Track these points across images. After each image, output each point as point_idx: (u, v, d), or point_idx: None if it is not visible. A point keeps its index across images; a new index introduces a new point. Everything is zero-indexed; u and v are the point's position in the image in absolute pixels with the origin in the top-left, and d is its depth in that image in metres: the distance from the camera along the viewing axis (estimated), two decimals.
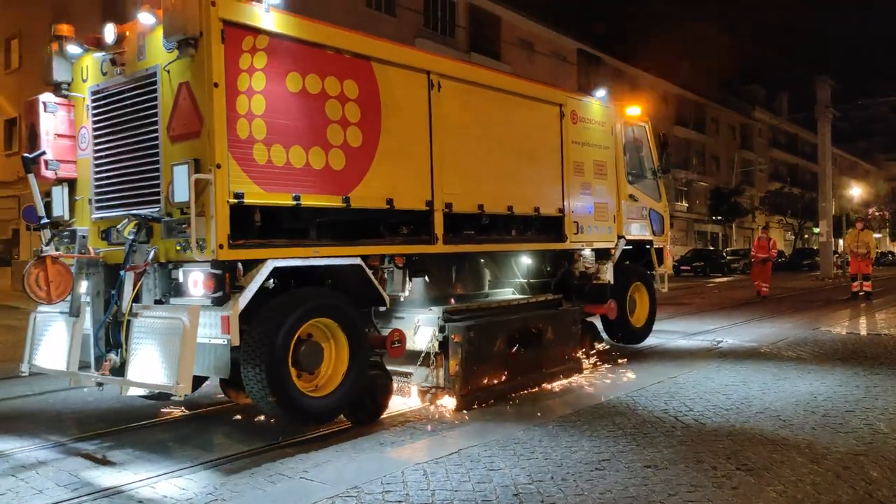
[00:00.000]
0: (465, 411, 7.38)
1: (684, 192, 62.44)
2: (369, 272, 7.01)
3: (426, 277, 8.85)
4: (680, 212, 61.57)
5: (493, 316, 8.40)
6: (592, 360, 9.96)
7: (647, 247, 11.66)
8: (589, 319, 10.50)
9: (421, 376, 7.88)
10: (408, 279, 7.88)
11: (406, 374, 7.98)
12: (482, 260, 9.94)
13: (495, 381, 8.14)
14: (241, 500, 4.99)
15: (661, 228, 11.88)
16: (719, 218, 62.47)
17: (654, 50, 53.94)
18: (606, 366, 9.77)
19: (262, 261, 6.16)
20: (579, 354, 9.48)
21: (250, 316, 6.17)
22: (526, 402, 7.88)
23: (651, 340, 11.80)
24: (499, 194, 8.54)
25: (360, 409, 7.09)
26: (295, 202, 6.38)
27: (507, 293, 10.14)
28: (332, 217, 6.88)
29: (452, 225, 8.15)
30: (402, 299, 8.11)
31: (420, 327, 7.98)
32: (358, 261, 6.90)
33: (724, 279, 38.37)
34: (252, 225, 6.23)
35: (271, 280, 6.41)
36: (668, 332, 13.06)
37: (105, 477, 5.54)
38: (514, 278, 10.41)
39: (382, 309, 7.98)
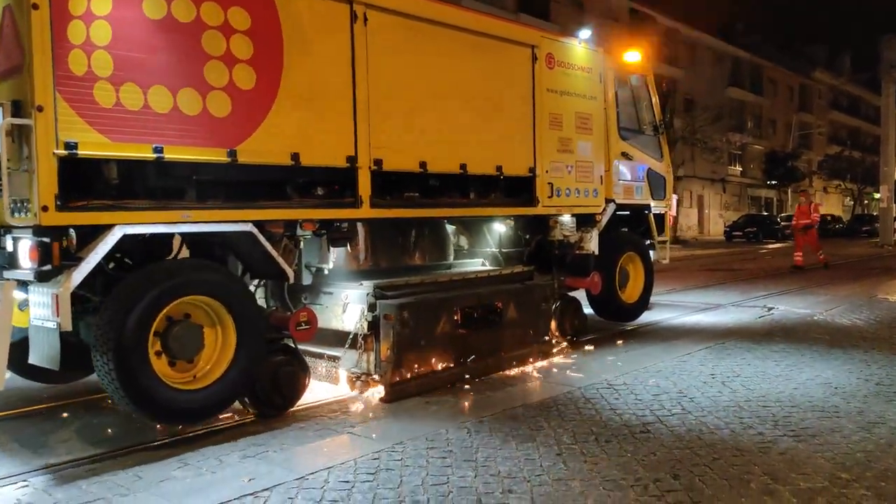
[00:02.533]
0: (394, 403, 6.29)
1: (738, 155, 59.94)
2: (264, 241, 5.86)
3: (360, 247, 7.70)
4: (734, 176, 59.21)
5: (437, 292, 7.18)
6: (568, 342, 8.69)
7: (646, 212, 10.22)
8: (571, 294, 9.20)
9: (351, 361, 6.78)
10: (328, 250, 6.72)
11: (335, 359, 6.88)
12: (443, 227, 8.72)
13: (439, 368, 6.98)
14: None
15: (661, 191, 10.42)
16: (774, 182, 59.69)
17: (710, 8, 51.34)
18: (589, 348, 8.50)
19: (110, 227, 5.06)
20: (551, 336, 8.23)
21: None
22: (473, 392, 6.75)
23: (675, 312, 11.13)
24: (447, 151, 7.25)
25: (264, 402, 6.03)
26: (156, 155, 5.22)
27: (476, 264, 8.91)
28: (217, 175, 5.73)
29: (389, 186, 6.94)
30: (325, 272, 6.98)
31: (348, 304, 6.85)
32: (248, 227, 5.74)
33: (778, 245, 36.86)
34: (98, 183, 5.13)
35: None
36: (709, 302, 12.65)
37: None
38: (485, 248, 9.17)
39: (306, 283, 6.90)
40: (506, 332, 7.66)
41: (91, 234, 5.09)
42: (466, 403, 6.33)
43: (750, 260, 25.05)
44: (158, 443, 5.36)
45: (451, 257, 8.95)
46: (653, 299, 12.62)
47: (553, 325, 8.81)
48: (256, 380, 5.95)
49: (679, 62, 50.37)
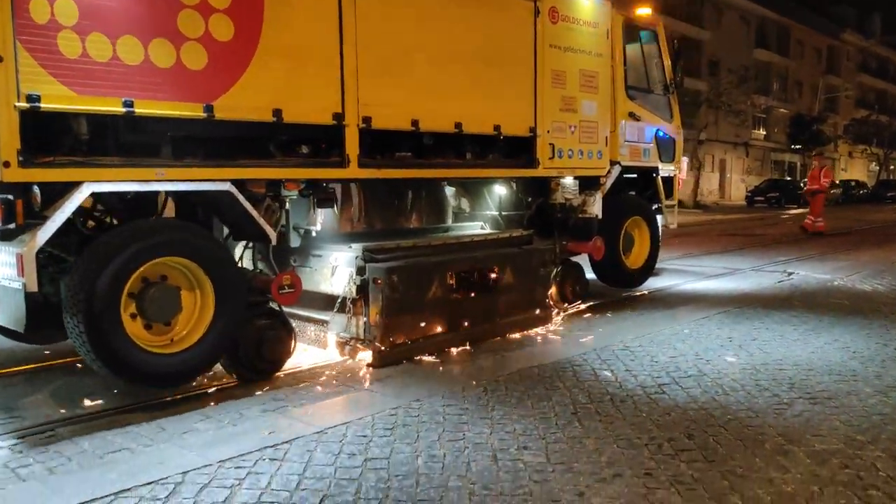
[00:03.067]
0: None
1: (762, 119, 58.82)
2: (244, 201, 5.64)
3: (353, 209, 7.49)
4: (757, 140, 58.18)
5: (429, 255, 6.95)
6: (569, 307, 8.47)
7: (654, 175, 9.88)
8: (574, 259, 8.94)
9: (339, 325, 6.60)
10: (316, 211, 6.49)
11: (324, 323, 6.71)
12: (441, 189, 8.48)
13: (431, 333, 6.77)
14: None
15: (670, 153, 10.05)
16: (798, 147, 58.55)
17: None
18: (593, 314, 8.26)
19: (77, 184, 4.85)
20: (550, 301, 7.99)
21: None
22: (486, 354, 6.58)
23: (691, 276, 10.90)
24: (442, 108, 6.95)
25: (247, 366, 5.88)
26: (126, 110, 4.99)
27: (475, 228, 8.66)
28: (194, 131, 5.50)
29: (379, 145, 6.69)
30: (314, 234, 6.76)
31: (337, 268, 6.64)
32: (227, 186, 5.52)
33: (800, 211, 35.92)
34: (66, 138, 4.92)
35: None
36: (728, 266, 12.47)
37: None
38: (485, 211, 8.92)
39: (294, 245, 6.70)
40: (502, 298, 7.43)
41: (61, 192, 4.90)
42: (481, 365, 6.19)
43: (771, 225, 24.66)
44: (181, 396, 5.43)
45: (450, 220, 8.72)
46: (669, 264, 12.75)
47: (553, 290, 8.59)
48: (239, 344, 5.81)
49: (704, 22, 49.21)
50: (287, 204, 6.29)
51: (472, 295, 7.24)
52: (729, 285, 10.43)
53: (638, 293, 9.77)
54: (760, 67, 55.52)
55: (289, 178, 5.97)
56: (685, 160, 10.71)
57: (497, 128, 7.46)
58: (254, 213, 5.71)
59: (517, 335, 7.32)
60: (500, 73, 7.49)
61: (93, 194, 5.13)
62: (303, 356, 6.49)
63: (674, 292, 9.99)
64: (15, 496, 3.71)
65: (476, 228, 8.59)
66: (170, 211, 6.13)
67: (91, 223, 5.73)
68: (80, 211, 5.54)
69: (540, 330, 7.54)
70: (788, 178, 56.52)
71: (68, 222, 4.95)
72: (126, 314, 5.19)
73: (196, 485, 3.70)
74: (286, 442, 4.26)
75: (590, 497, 3.61)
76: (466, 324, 7.04)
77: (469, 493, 3.65)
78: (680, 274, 11.69)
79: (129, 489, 3.63)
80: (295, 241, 6.77)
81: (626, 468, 3.94)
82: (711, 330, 7.25)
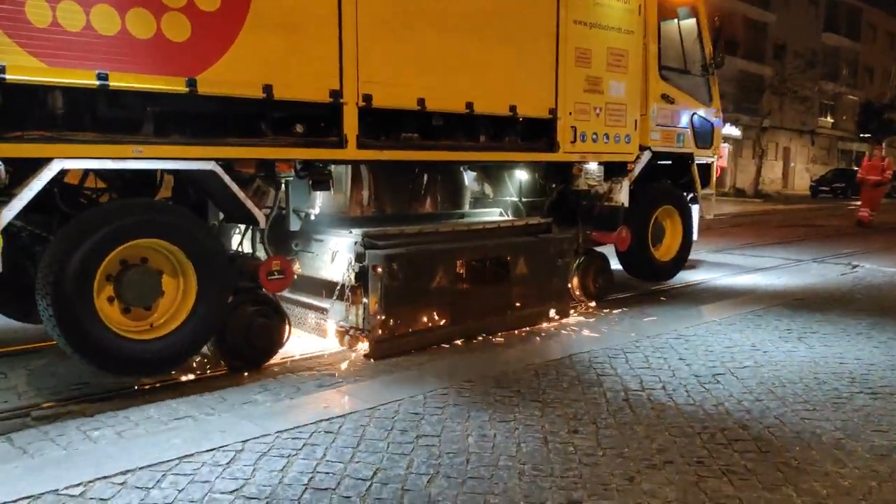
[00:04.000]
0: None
1: (830, 106, 56.58)
2: (230, 182, 5.36)
3: (363, 192, 7.19)
4: (824, 128, 56.08)
5: (434, 243, 6.59)
6: (592, 300, 8.04)
7: (690, 162, 9.30)
8: (598, 250, 8.47)
9: (339, 313, 6.33)
10: (315, 194, 6.21)
11: (324, 311, 6.44)
12: (457, 173, 8.10)
13: (433, 325, 6.44)
14: None
15: (707, 139, 9.45)
16: (867, 136, 56.11)
17: None
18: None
19: (48, 160, 4.63)
20: (575, 292, 7.56)
21: None
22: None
23: (747, 267, 10.64)
24: (451, 87, 6.55)
25: (236, 354, 5.65)
26: (100, 83, 4.74)
27: (494, 214, 8.26)
28: (177, 107, 5.22)
29: (384, 125, 6.35)
30: (316, 218, 6.49)
31: (337, 253, 6.35)
32: (211, 166, 5.25)
33: None
34: (36, 112, 4.70)
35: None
36: (788, 257, 12.24)
37: None
38: (507, 196, 8.52)
39: (294, 229, 6.44)
40: (515, 289, 7.05)
41: (33, 168, 4.68)
42: (530, 348, 6.12)
43: (836, 216, 23.94)
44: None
45: (467, 206, 8.34)
46: (726, 255, 12.47)
47: (575, 282, 8.17)
48: (227, 330, 5.57)
49: (770, 5, 47.38)
50: (284, 186, 6.02)
51: (482, 285, 6.89)
52: (789, 277, 10.17)
53: (682, 284, 9.35)
54: (829, 52, 53.33)
55: (280, 158, 5.66)
56: (725, 147, 10.07)
57: (513, 108, 7.03)
58: (240, 194, 5.44)
59: (551, 325, 7.02)
60: (518, 50, 7.04)
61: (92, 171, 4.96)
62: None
63: (730, 283, 9.72)
64: (86, 455, 3.94)
65: (495, 215, 8.20)
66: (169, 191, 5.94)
67: (84, 202, 5.55)
68: (70, 188, 5.42)
69: (579, 319, 7.29)
70: (856, 168, 54.26)
71: (49, 200, 4.76)
72: (102, 298, 4.99)
73: (255, 453, 3.89)
74: (340, 416, 4.45)
75: (640, 482, 3.63)
76: (474, 315, 6.69)
77: (519, 472, 3.73)
78: (736, 265, 11.41)
79: (191, 455, 3.83)
80: (295, 225, 6.52)
81: (678, 455, 3.95)
82: (770, 321, 7.17)
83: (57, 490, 3.42)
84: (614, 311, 7.80)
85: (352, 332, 6.24)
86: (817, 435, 4.27)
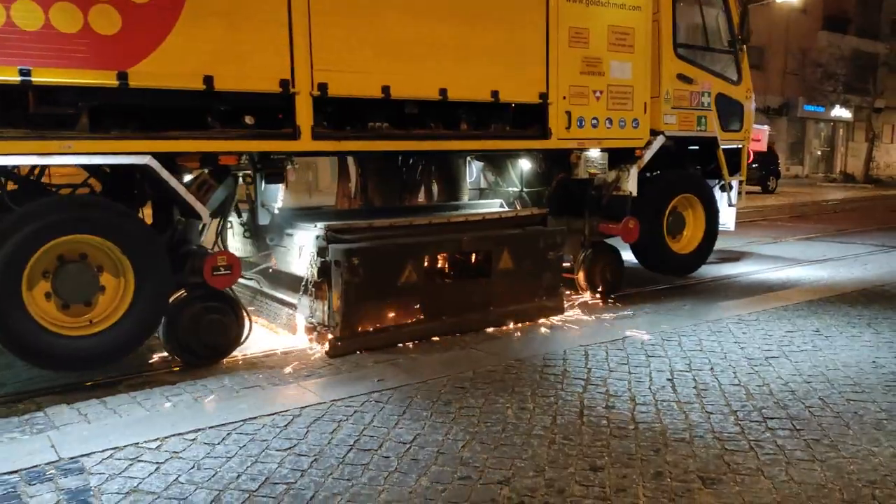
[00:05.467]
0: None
1: None
2: (166, 176, 5.25)
3: (351, 184, 6.99)
4: None
5: (403, 237, 6.32)
6: (599, 295, 7.58)
7: (715, 147, 8.60)
8: (607, 242, 7.97)
9: (307, 309, 6.17)
10: (262, 186, 6.05)
11: (294, 306, 6.31)
12: (453, 163, 7.79)
13: (404, 322, 6.20)
14: None
15: (737, 121, 8.71)
16: None
17: None
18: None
19: None
20: (560, 288, 7.11)
21: None
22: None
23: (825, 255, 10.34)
24: (421, 73, 6.23)
25: (186, 350, 5.58)
26: (23, 79, 4.71)
27: (494, 206, 7.89)
28: (110, 101, 5.14)
29: (348, 114, 6.12)
30: (275, 211, 6.34)
31: (303, 247, 6.19)
32: (146, 160, 5.15)
33: None
34: None
35: None
36: (881, 244, 11.92)
37: None
38: (509, 187, 8.14)
39: (263, 223, 6.34)
40: (498, 284, 6.69)
41: None
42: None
43: None
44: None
45: (465, 197, 8.01)
46: (812, 244, 12.05)
47: (581, 276, 7.72)
48: (179, 327, 5.50)
49: None
50: (244, 180, 5.89)
51: (459, 281, 6.58)
52: (877, 264, 9.77)
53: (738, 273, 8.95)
54: None
55: (226, 151, 5.51)
56: (765, 129, 9.30)
57: (495, 94, 6.63)
58: (179, 189, 5.32)
59: (507, 329, 6.57)
60: (499, 32, 6.62)
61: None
62: None
63: (804, 272, 9.39)
64: (165, 416, 4.51)
65: (494, 206, 7.83)
66: None
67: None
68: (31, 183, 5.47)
69: (543, 321, 6.75)
70: None
71: None
72: (35, 293, 4.98)
73: (310, 418, 4.34)
74: (391, 389, 4.86)
75: (665, 454, 3.80)
76: (451, 312, 6.39)
77: (550, 441, 4.00)
78: (818, 253, 11.04)
79: (255, 417, 4.34)
80: (264, 219, 6.39)
81: (708, 432, 4.08)
82: (841, 307, 7.05)
83: (138, 443, 3.96)
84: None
85: (319, 328, 6.07)
86: (859, 416, 4.28)
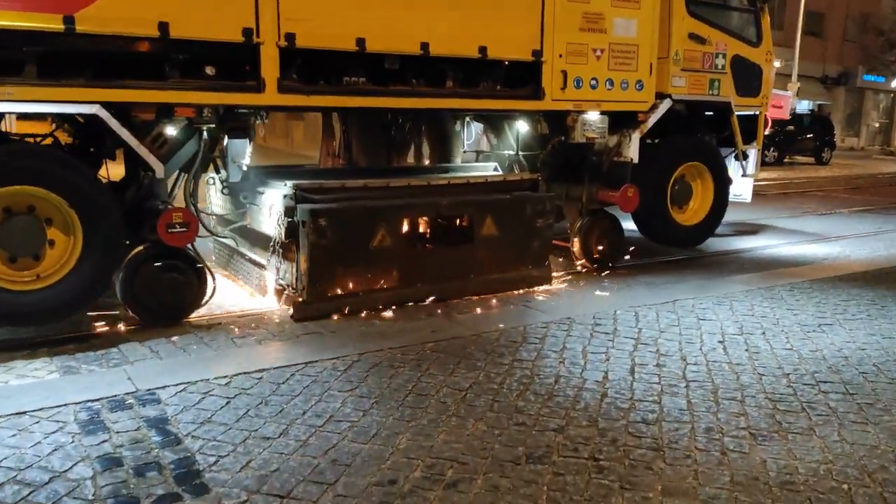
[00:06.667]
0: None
1: None
2: (117, 126, 5.00)
3: (336, 143, 6.71)
4: None
5: (375, 199, 6.01)
6: (594, 266, 7.21)
7: (729, 113, 8.05)
8: (608, 211, 7.54)
9: (276, 270, 5.95)
10: (225, 141, 5.78)
11: (264, 267, 6.09)
12: (446, 123, 7.43)
13: (375, 287, 5.92)
14: None
15: (754, 85, 8.13)
16: None
17: None
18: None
19: None
20: (547, 258, 6.74)
21: None
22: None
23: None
24: (399, 26, 5.85)
25: (145, 309, 5.40)
26: None
27: (488, 169, 7.52)
28: (57, 47, 4.87)
29: (325, 69, 5.79)
30: (243, 168, 6.08)
31: (273, 207, 5.94)
32: (95, 109, 4.90)
33: None
34: None
35: None
36: None
37: None
38: (505, 150, 7.76)
39: (234, 180, 6.10)
40: (481, 251, 6.37)
41: None
42: (630, 293, 6.22)
43: None
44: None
45: (458, 159, 7.65)
46: (870, 216, 11.71)
47: (577, 245, 7.34)
48: (136, 285, 5.31)
49: None
50: (207, 134, 5.63)
51: (437, 246, 6.26)
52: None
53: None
54: None
55: (182, 102, 5.24)
56: (787, 94, 8.70)
57: (483, 50, 6.23)
58: (131, 140, 5.08)
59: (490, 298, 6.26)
60: None
61: None
62: None
63: (867, 241, 9.34)
64: (231, 356, 4.72)
65: (487, 170, 7.45)
66: None
67: None
68: None
69: (527, 291, 6.40)
70: None
71: None
72: None
73: (370, 363, 4.51)
74: (445, 340, 5.00)
75: (717, 412, 3.85)
76: (427, 279, 6.09)
77: (601, 395, 4.08)
78: (877, 221, 11.01)
79: (316, 361, 4.55)
80: (234, 175, 6.14)
81: (760, 392, 4.13)
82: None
83: (208, 379, 4.18)
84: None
85: (288, 290, 5.85)
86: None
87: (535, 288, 6.53)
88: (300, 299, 5.65)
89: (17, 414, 3.70)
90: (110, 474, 3.13)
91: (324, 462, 3.28)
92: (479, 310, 5.88)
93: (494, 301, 6.15)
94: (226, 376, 4.25)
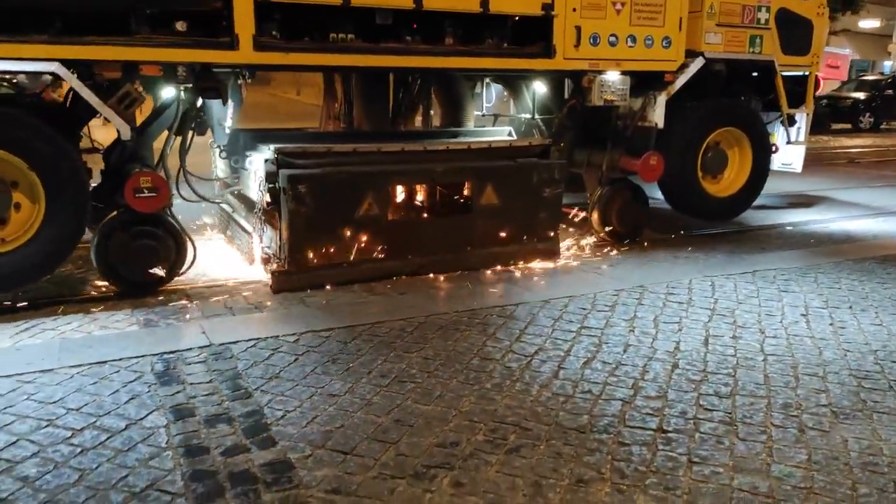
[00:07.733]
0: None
1: None
2: (78, 85, 4.78)
3: (337, 104, 6.38)
4: None
5: (360, 164, 5.63)
6: (611, 239, 6.70)
7: (773, 73, 7.27)
8: (631, 180, 6.97)
9: (261, 238, 5.71)
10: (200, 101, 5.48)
11: (250, 234, 5.87)
12: (457, 84, 6.98)
13: (361, 259, 5.59)
14: None
15: (801, 42, 7.30)
16: None
17: None
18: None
19: None
20: (556, 230, 6.27)
21: None
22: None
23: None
24: None
25: (121, 277, 5.23)
26: None
27: (502, 133, 7.04)
28: (20, 2, 4.67)
29: (310, 25, 5.43)
30: (226, 131, 5.81)
31: (257, 171, 5.67)
32: (54, 67, 4.67)
33: None
34: None
35: None
36: None
37: None
38: (522, 113, 7.26)
39: (220, 142, 5.88)
40: (480, 222, 5.95)
41: None
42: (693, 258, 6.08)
43: None
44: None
45: (470, 123, 7.19)
46: None
47: (595, 216, 6.83)
48: (110, 252, 5.14)
49: None
50: (185, 94, 5.35)
51: (432, 217, 5.88)
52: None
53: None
54: None
55: (148, 60, 4.96)
56: (844, 52, 7.84)
57: (485, 4, 5.73)
58: (92, 99, 4.83)
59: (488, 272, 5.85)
60: None
61: None
62: None
63: None
64: (299, 317, 4.80)
65: (500, 134, 6.97)
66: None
67: None
68: None
69: (532, 266, 5.97)
70: None
71: None
72: None
73: (437, 327, 4.56)
74: (514, 304, 5.00)
75: (796, 388, 3.71)
76: (419, 251, 5.73)
77: (672, 365, 3.98)
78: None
79: (382, 322, 4.63)
80: (220, 138, 5.88)
81: (844, 369, 3.96)
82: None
83: (277, 336, 4.35)
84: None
85: (273, 259, 5.60)
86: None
87: (595, 255, 6.28)
88: (280, 269, 5.39)
89: (98, 363, 3.92)
90: (183, 424, 3.28)
91: (387, 421, 3.34)
92: (546, 277, 5.80)
93: (560, 267, 6.05)
94: (294, 334, 4.41)
